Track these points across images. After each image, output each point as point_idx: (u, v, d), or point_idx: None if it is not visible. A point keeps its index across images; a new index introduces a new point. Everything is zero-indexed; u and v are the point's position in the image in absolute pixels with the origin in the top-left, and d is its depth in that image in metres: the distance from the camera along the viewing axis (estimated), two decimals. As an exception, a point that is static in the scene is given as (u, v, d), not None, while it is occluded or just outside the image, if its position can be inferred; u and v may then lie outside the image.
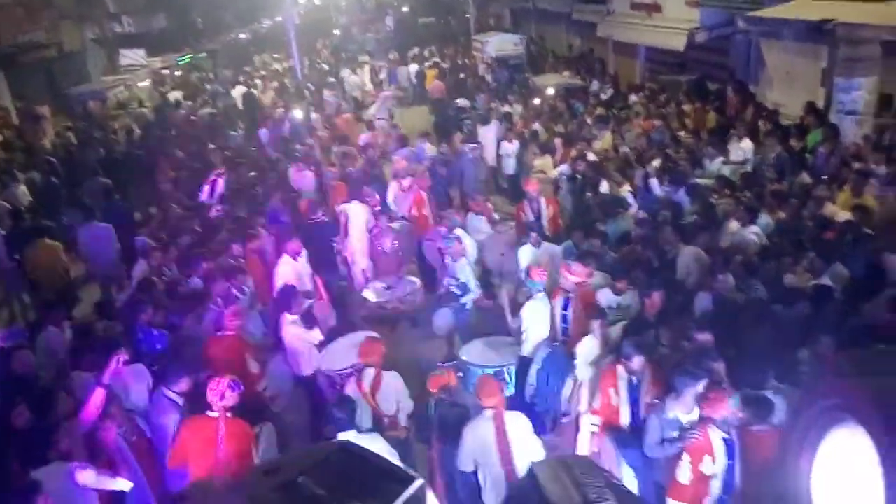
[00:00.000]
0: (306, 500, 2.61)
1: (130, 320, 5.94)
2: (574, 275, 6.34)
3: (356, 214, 9.07)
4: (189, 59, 28.30)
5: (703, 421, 4.47)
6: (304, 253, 7.93)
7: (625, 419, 5.27)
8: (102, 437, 4.45)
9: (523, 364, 6.47)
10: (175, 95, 21.81)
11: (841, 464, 1.68)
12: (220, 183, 9.35)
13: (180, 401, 5.10)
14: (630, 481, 5.12)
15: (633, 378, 5.23)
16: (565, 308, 6.34)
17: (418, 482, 2.91)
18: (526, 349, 6.49)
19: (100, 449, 4.44)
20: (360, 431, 4.84)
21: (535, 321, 6.43)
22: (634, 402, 5.25)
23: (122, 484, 4.25)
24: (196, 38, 31.13)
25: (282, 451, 5.56)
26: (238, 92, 20.55)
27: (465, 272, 7.59)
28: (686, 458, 4.41)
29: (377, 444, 4.71)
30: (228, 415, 4.68)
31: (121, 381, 5.01)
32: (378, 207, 9.34)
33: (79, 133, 16.63)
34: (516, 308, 6.96)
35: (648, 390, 5.21)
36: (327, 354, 6.75)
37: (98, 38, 24.51)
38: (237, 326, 6.07)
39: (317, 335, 6.59)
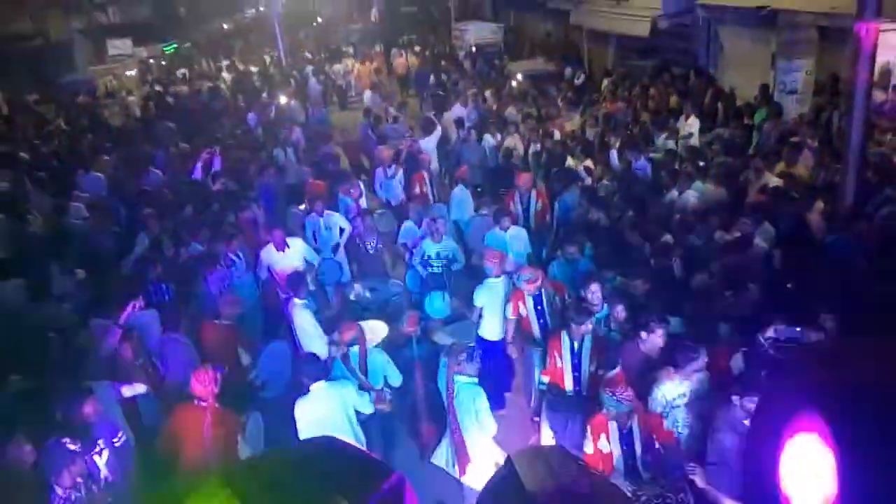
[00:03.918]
0: (290, 496, 2.63)
1: (141, 275, 6.74)
2: (531, 283, 6.29)
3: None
4: (174, 49, 28.82)
5: (602, 405, 4.65)
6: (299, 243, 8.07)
7: (568, 382, 5.63)
8: (121, 356, 5.26)
9: (481, 343, 6.64)
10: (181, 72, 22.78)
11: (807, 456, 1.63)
12: (217, 161, 10.14)
13: (185, 339, 5.94)
14: (548, 439, 5.66)
15: (575, 344, 5.58)
16: (538, 304, 6.39)
17: (396, 475, 2.95)
18: (482, 329, 6.70)
19: (120, 372, 5.25)
20: (328, 380, 5.22)
21: (489, 303, 6.60)
22: (576, 368, 5.61)
23: (139, 388, 5.10)
24: (180, 28, 31.63)
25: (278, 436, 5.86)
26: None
27: (438, 247, 7.76)
28: (588, 430, 4.70)
29: (348, 390, 5.19)
30: (216, 404, 4.81)
31: (140, 325, 5.80)
32: (360, 198, 9.52)
33: (70, 122, 17.29)
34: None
35: (592, 358, 5.57)
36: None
37: (84, 28, 24.99)
38: (233, 316, 6.21)
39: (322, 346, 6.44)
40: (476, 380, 5.11)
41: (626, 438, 4.67)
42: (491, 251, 6.90)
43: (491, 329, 6.75)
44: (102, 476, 4.31)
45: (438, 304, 6.89)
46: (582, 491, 2.75)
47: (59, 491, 3.95)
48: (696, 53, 15.67)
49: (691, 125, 10.73)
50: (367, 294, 7.63)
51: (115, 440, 4.45)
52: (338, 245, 8.63)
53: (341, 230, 8.69)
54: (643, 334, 5.37)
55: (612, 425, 4.65)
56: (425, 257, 7.78)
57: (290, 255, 7.91)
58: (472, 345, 5.44)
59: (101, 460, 4.32)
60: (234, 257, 7.82)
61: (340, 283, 8.24)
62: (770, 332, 5.23)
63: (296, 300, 6.57)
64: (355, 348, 5.64)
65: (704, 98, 13.43)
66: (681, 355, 4.87)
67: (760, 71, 13.03)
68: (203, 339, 6.23)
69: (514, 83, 17.05)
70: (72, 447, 4.14)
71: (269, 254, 7.91)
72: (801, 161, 9.07)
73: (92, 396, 4.39)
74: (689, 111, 11.11)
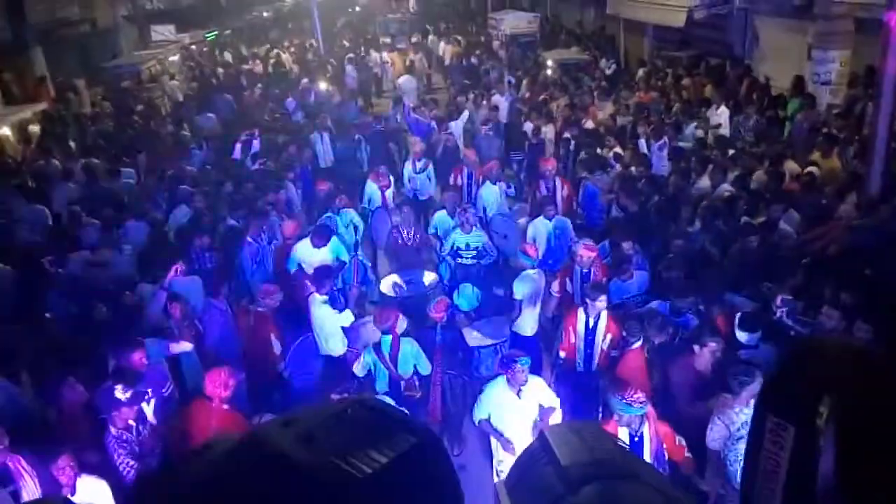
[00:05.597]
0: (323, 449, 3.12)
1: (185, 243, 7.14)
2: (590, 251, 6.50)
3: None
4: (215, 36, 29.42)
5: (612, 413, 4.56)
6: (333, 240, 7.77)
7: (580, 359, 5.88)
8: (170, 316, 5.62)
9: (516, 339, 6.65)
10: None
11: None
12: (256, 143, 10.56)
13: (224, 306, 6.30)
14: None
15: (590, 320, 5.78)
16: (585, 280, 6.48)
17: (430, 431, 3.24)
18: (517, 325, 6.64)
19: (167, 331, 5.62)
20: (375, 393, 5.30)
21: (527, 296, 6.56)
22: (590, 345, 5.81)
23: (185, 346, 5.41)
24: (222, 14, 32.26)
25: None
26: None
27: (468, 238, 7.74)
28: None
29: (387, 400, 5.13)
30: (225, 406, 4.82)
31: (184, 289, 6.18)
32: (389, 188, 9.41)
33: (116, 104, 17.95)
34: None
35: (604, 335, 5.77)
36: (352, 332, 6.68)
37: (129, 14, 25.69)
38: (272, 305, 6.21)
39: (347, 317, 6.55)
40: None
41: (636, 447, 4.44)
42: (530, 244, 6.93)
43: (526, 324, 6.68)
44: (149, 422, 4.67)
45: (467, 295, 6.87)
46: (616, 466, 2.93)
47: (113, 430, 4.32)
48: (731, 44, 15.56)
49: (721, 115, 10.75)
50: (404, 287, 7.52)
51: (163, 390, 4.81)
52: (357, 243, 8.40)
53: (356, 228, 8.55)
54: (696, 348, 5.16)
55: (623, 431, 4.46)
56: (455, 248, 7.74)
57: (323, 253, 7.63)
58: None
59: (148, 408, 4.69)
60: (261, 233, 7.91)
61: (363, 283, 7.94)
62: (779, 301, 5.43)
63: (316, 295, 6.45)
64: (388, 336, 5.66)
65: (739, 89, 13.39)
66: (734, 380, 4.45)
67: (796, 62, 12.92)
68: (238, 323, 6.34)
69: (548, 72, 17.14)
70: (119, 395, 4.51)
71: (303, 249, 7.62)
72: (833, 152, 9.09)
73: (142, 349, 4.75)
74: (719, 101, 11.11)
